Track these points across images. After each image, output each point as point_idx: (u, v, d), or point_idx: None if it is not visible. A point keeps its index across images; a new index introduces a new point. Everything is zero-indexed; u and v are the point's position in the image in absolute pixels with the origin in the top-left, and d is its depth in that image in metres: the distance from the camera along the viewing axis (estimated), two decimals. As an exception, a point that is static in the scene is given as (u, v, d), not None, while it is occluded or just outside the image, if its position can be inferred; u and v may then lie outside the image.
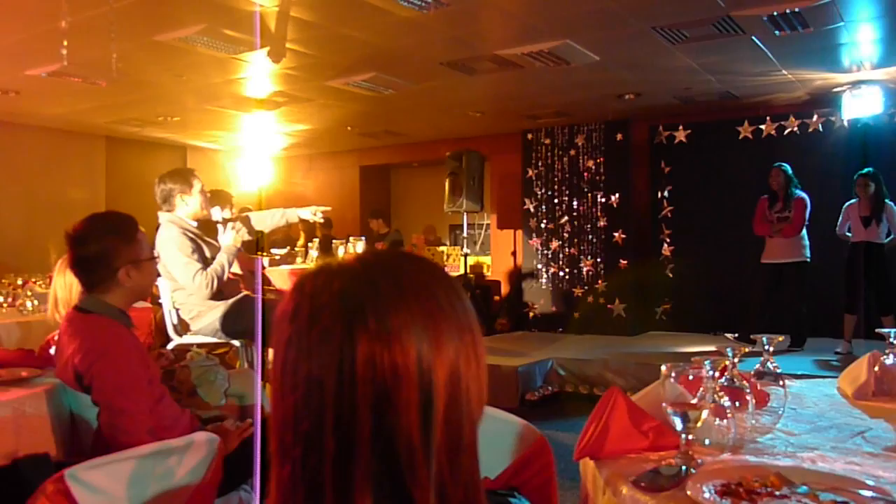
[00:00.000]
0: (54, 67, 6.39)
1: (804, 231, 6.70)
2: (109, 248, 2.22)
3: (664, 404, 1.29)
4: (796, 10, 5.24)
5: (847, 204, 6.67)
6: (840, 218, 6.70)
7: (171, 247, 4.16)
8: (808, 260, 6.73)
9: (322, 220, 5.21)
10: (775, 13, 5.32)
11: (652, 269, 8.74)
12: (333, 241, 6.18)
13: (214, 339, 4.36)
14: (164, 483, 1.53)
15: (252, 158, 11.16)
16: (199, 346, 3.65)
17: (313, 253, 6.42)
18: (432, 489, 0.76)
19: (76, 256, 2.23)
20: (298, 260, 6.31)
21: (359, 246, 5.56)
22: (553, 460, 1.75)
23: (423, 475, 0.76)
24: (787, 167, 6.79)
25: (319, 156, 11.89)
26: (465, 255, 9.22)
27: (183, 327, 4.56)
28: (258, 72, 7.00)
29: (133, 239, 2.27)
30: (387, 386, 0.75)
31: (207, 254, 4.28)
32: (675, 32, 5.81)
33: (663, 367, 1.33)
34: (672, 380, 1.31)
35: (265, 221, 4.99)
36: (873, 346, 1.96)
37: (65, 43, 4.43)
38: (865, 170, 6.54)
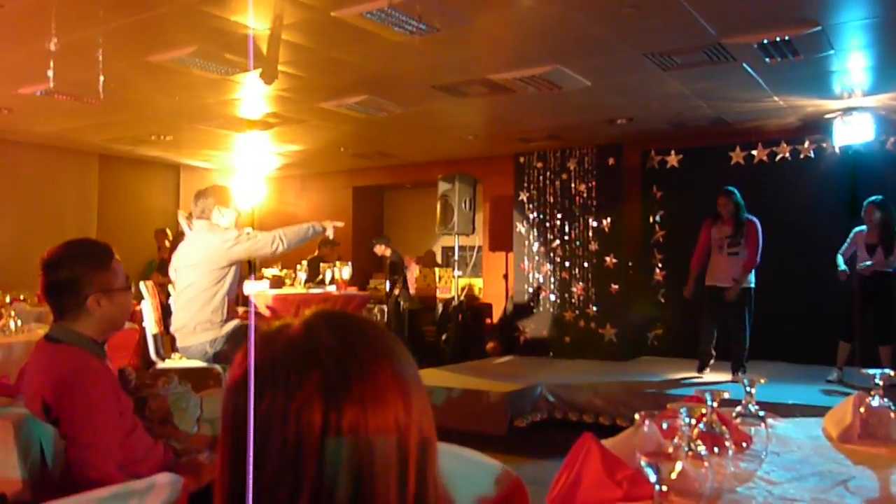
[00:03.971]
0: (47, 86, 6.38)
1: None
2: (80, 275, 2.16)
3: (637, 454, 1.25)
4: (786, 38, 5.26)
5: (857, 230, 6.59)
6: (846, 244, 6.62)
7: (207, 245, 4.20)
8: (752, 286, 6.63)
9: (331, 237, 5.10)
10: (765, 41, 5.33)
11: (643, 294, 8.71)
12: (321, 263, 6.16)
13: (198, 363, 4.31)
14: (123, 527, 1.47)
15: (245, 178, 11.14)
16: (173, 371, 3.60)
17: (301, 276, 6.38)
18: None
19: (47, 282, 2.18)
20: (287, 282, 6.27)
21: (345, 271, 5.53)
22: (529, 501, 1.70)
23: None
24: (737, 193, 6.66)
25: (312, 176, 11.88)
26: (458, 278, 9.18)
27: (166, 350, 4.52)
28: (251, 93, 7.01)
29: (107, 267, 2.22)
30: (370, 451, 0.74)
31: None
32: (666, 59, 5.82)
33: (637, 416, 1.29)
34: (646, 429, 1.27)
35: (292, 236, 4.57)
36: (865, 376, 1.93)
37: (51, 64, 4.41)
38: (874, 197, 6.44)
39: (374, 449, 0.73)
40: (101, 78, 4.72)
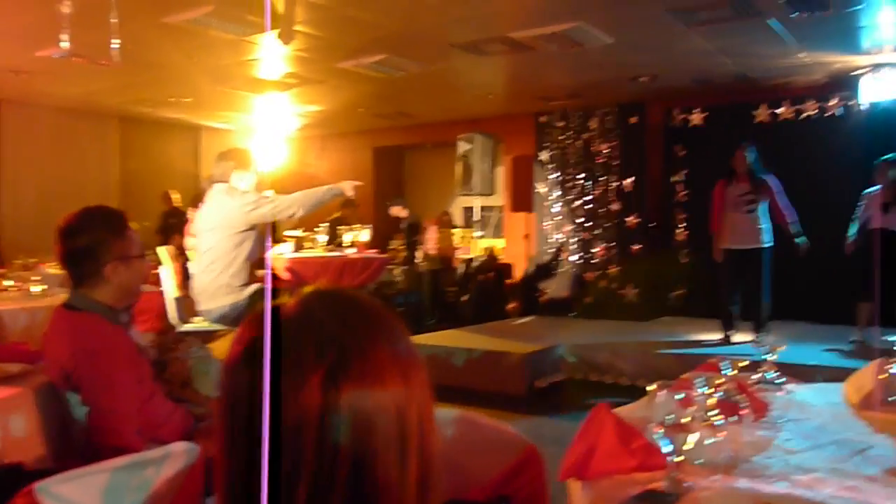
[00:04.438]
0: (63, 49, 6.38)
1: (768, 217, 6.50)
2: (98, 242, 2.17)
3: (650, 426, 1.23)
4: (815, -8, 5.12)
5: (866, 192, 6.50)
6: (859, 209, 6.53)
7: (226, 209, 4.22)
8: (771, 245, 6.52)
9: (353, 196, 5.08)
10: (793, -5, 5.19)
11: (665, 254, 8.64)
12: (341, 226, 6.15)
13: (220, 327, 4.35)
14: (140, 494, 1.49)
15: (265, 139, 11.12)
16: (195, 334, 3.64)
17: (321, 238, 6.37)
18: None
19: (65, 250, 2.19)
20: (307, 244, 6.26)
21: (364, 234, 5.51)
22: (544, 470, 1.70)
23: None
24: (755, 150, 6.56)
25: (332, 137, 11.84)
26: (478, 238, 9.16)
27: (187, 313, 4.56)
28: (269, 53, 6.96)
29: (123, 235, 2.22)
30: (369, 427, 0.73)
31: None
32: (689, 14, 5.69)
33: (650, 387, 1.28)
34: (661, 399, 1.25)
35: (312, 200, 4.49)
36: (888, 334, 1.90)
37: (64, 26, 4.39)
38: (887, 156, 6.36)
39: (374, 428, 0.73)
40: (117, 40, 4.68)
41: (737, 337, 6.71)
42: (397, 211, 9.66)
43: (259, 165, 4.52)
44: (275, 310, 0.78)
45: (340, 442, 0.72)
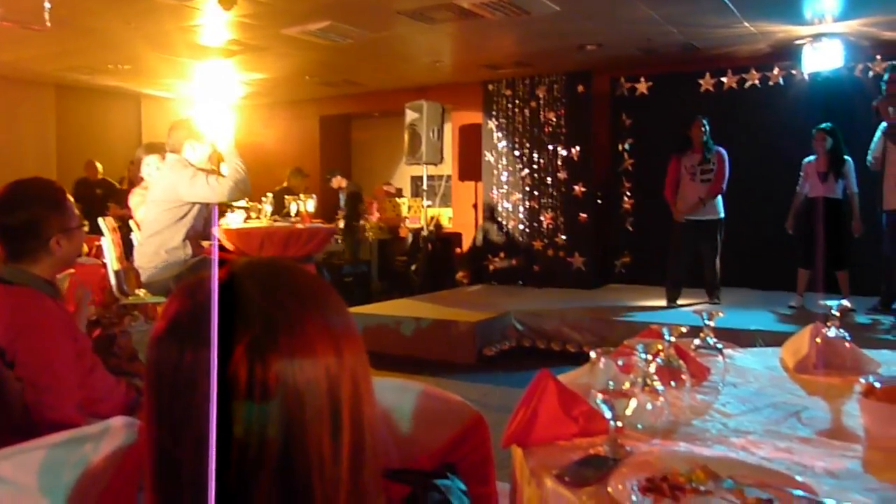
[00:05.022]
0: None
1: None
2: (39, 217, 2.12)
3: (593, 391, 1.25)
4: (758, -38, 5.16)
5: (805, 161, 6.66)
6: (801, 177, 6.70)
7: (175, 181, 4.12)
8: (723, 217, 6.77)
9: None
10: (737, -35, 5.23)
11: (612, 222, 8.75)
12: (286, 196, 6.06)
13: (161, 299, 4.27)
14: (78, 471, 1.45)
15: (210, 107, 10.87)
16: (140, 307, 3.58)
17: (268, 208, 6.28)
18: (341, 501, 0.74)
19: (1, 225, 2.12)
20: (253, 215, 6.16)
21: (310, 204, 5.45)
22: (489, 437, 1.71)
23: (333, 494, 0.74)
24: (707, 122, 6.74)
25: (279, 105, 11.63)
26: (426, 207, 9.14)
27: (130, 285, 4.47)
28: (211, 19, 6.77)
29: (63, 207, 2.17)
30: (298, 401, 0.72)
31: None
32: (636, -17, 5.70)
33: (592, 354, 1.29)
34: (602, 365, 1.27)
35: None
36: (826, 299, 1.95)
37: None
38: (823, 125, 6.53)
39: (304, 401, 0.72)
40: (48, 4, 4.51)
41: (682, 302, 6.88)
42: (337, 182, 9.56)
43: (209, 136, 4.42)
44: (203, 280, 0.76)
45: (269, 417, 0.70)
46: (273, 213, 6.54)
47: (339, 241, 9.26)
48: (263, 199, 6.60)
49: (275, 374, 0.70)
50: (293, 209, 5.85)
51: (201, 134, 4.40)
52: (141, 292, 4.47)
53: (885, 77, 5.62)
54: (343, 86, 10.29)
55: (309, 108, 11.47)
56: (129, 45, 7.80)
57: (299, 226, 6.20)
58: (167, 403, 0.73)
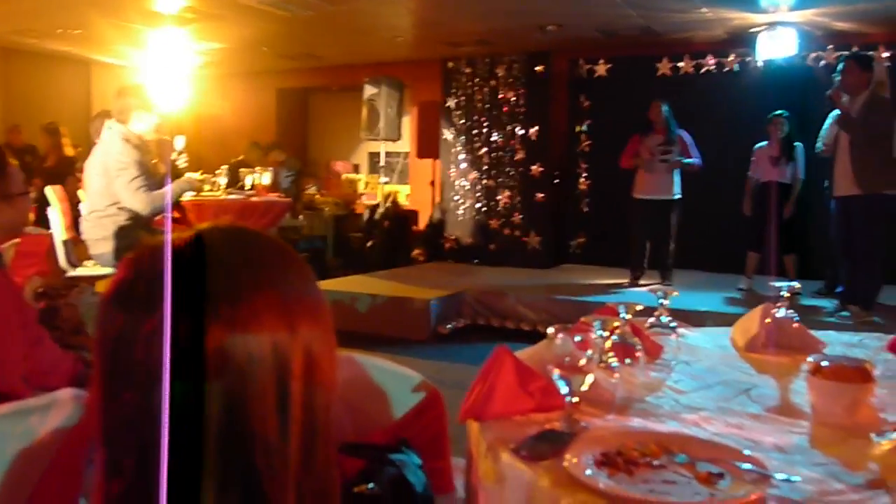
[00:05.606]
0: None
1: (678, 170, 6.82)
2: None
3: (549, 367, 1.26)
4: (718, -53, 5.21)
5: (756, 146, 6.79)
6: (752, 162, 6.82)
7: (118, 159, 4.00)
8: (681, 197, 6.87)
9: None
10: (697, -50, 5.27)
11: (568, 202, 8.82)
12: (241, 169, 5.96)
13: (109, 270, 4.19)
14: (24, 443, 1.42)
15: (163, 77, 10.61)
16: (88, 279, 3.49)
17: (221, 181, 6.17)
18: (291, 485, 0.72)
19: None
20: (206, 188, 6.04)
21: (265, 177, 5.38)
22: (445, 412, 1.72)
23: (281, 471, 0.71)
24: (668, 104, 6.83)
25: (235, 76, 11.40)
26: (383, 184, 9.09)
27: (78, 257, 4.36)
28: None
29: (4, 172, 2.09)
30: (240, 376, 0.69)
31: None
32: (598, -36, 5.71)
33: (550, 330, 1.30)
34: (559, 341, 1.27)
35: (175, 194, 4.80)
36: (776, 281, 2.00)
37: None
38: (778, 111, 6.65)
39: (246, 375, 0.69)
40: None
41: (644, 281, 7.00)
42: (276, 156, 9.34)
43: (159, 105, 4.33)
44: (153, 249, 0.73)
45: (205, 390, 0.68)
46: (228, 186, 6.43)
47: (302, 217, 9.14)
48: (218, 171, 6.48)
49: (215, 345, 0.68)
50: (248, 182, 5.76)
51: (150, 103, 4.29)
52: (90, 264, 4.37)
53: (839, 67, 5.73)
54: (301, 58, 10.13)
55: (266, 80, 11.28)
56: (79, 10, 7.57)
57: (255, 199, 6.12)
58: (110, 371, 0.71)
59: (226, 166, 6.54)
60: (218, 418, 0.68)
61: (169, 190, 4.25)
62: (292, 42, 9.06)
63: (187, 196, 5.51)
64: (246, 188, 6.42)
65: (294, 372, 0.72)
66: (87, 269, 4.27)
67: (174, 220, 5.66)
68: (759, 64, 7.71)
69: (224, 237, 0.76)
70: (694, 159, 6.78)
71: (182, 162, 4.25)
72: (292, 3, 6.98)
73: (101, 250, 4.18)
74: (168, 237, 0.73)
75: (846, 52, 7.06)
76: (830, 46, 7.51)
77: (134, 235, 4.15)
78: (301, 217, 9.10)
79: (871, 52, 7.13)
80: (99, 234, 4.17)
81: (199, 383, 0.68)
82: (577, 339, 1.28)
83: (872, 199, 5.54)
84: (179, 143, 4.76)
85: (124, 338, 0.70)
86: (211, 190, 6.14)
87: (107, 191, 4.11)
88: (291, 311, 0.73)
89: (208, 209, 5.83)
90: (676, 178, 6.84)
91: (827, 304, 6.10)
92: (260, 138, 9.95)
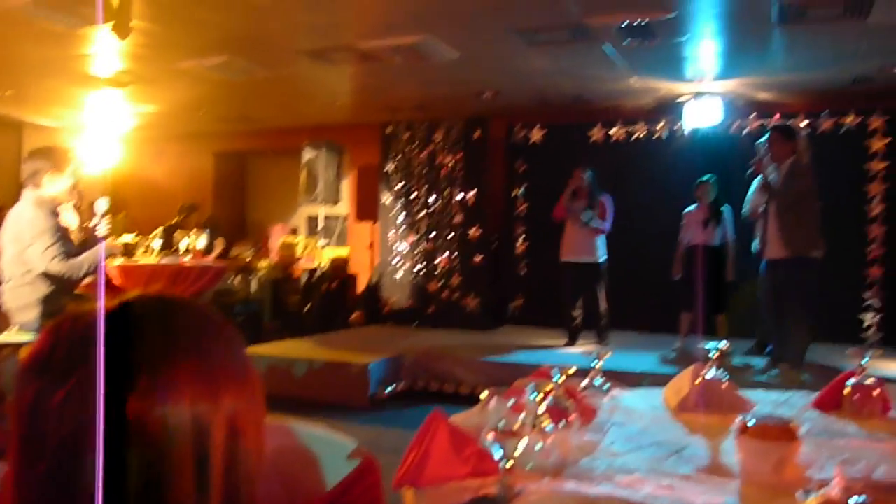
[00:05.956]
0: None
1: (602, 234, 7.03)
2: None
3: (483, 433, 1.26)
4: (644, 22, 5.45)
5: (686, 211, 7.03)
6: (682, 226, 7.05)
7: (30, 226, 3.85)
8: (605, 260, 7.06)
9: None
10: (625, 23, 5.51)
11: (506, 265, 8.92)
12: (178, 231, 5.87)
13: (33, 337, 4.04)
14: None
15: (97, 139, 10.45)
16: (12, 346, 3.37)
17: (155, 244, 6.06)
18: None
19: None
20: (140, 252, 5.92)
21: (201, 241, 5.30)
22: (380, 480, 1.69)
23: None
24: (591, 171, 7.09)
25: (171, 139, 11.30)
26: (322, 247, 9.05)
27: (2, 324, 4.20)
28: (102, 48, 6.57)
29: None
30: (157, 449, 0.67)
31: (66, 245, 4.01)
32: (531, 35, 5.90)
33: (483, 395, 1.30)
34: (492, 406, 1.28)
35: (94, 261, 4.53)
36: (707, 342, 2.05)
37: None
38: (706, 176, 6.92)
39: (163, 447, 0.68)
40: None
41: (581, 342, 7.08)
42: (195, 217, 9.09)
43: (83, 166, 4.19)
44: (75, 317, 0.72)
45: (127, 463, 0.66)
46: (162, 249, 6.32)
47: (236, 279, 8.99)
48: (152, 234, 6.37)
49: (133, 416, 0.66)
50: (183, 244, 5.65)
51: (65, 163, 4.14)
52: (14, 330, 4.21)
53: (764, 138, 6.02)
54: (239, 122, 10.12)
55: (203, 143, 11.20)
56: (12, 71, 7.46)
57: (188, 263, 6.01)
58: (25, 440, 0.69)
59: (160, 229, 6.42)
60: (136, 491, 0.66)
61: (88, 257, 4.08)
62: (230, 105, 9.06)
63: (116, 262, 5.38)
64: (181, 252, 6.31)
65: (215, 442, 0.71)
66: (11, 336, 4.11)
67: (106, 286, 5.51)
68: (687, 131, 8.03)
69: (147, 306, 0.75)
70: (605, 224, 7.00)
71: (103, 226, 4.09)
72: (229, 68, 7.01)
73: (25, 318, 4.03)
74: (98, 305, 0.72)
75: (768, 121, 7.42)
76: (753, 115, 7.88)
77: (59, 302, 4.02)
78: (237, 280, 8.96)
79: (791, 122, 7.52)
80: (20, 302, 4.02)
81: (118, 455, 0.66)
82: (511, 402, 1.29)
83: (799, 262, 5.77)
84: (102, 205, 4.62)
85: (38, 407, 0.68)
86: (145, 254, 6.02)
87: (20, 259, 3.97)
88: (214, 380, 0.72)
89: (141, 274, 5.70)
90: (601, 242, 7.04)
91: (758, 363, 6.25)
92: (197, 201, 9.84)
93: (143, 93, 8.33)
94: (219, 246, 6.13)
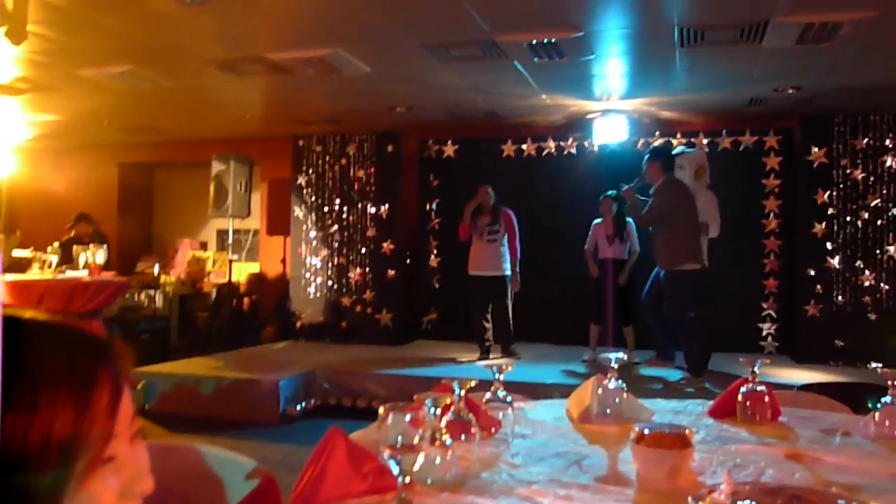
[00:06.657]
0: None
1: (507, 247, 7.16)
2: None
3: (381, 447, 1.24)
4: (553, 40, 5.57)
5: (594, 222, 7.21)
6: (588, 238, 7.22)
7: None
8: (508, 274, 7.18)
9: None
10: (534, 41, 5.61)
11: (419, 279, 8.92)
12: (75, 246, 5.62)
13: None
14: None
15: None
16: None
17: (52, 258, 5.79)
18: None
19: None
20: (35, 267, 5.64)
21: (100, 255, 5.10)
22: (280, 498, 1.66)
23: None
24: (490, 189, 7.23)
25: (72, 150, 10.86)
26: (232, 262, 8.87)
27: None
28: (-5, 53, 6.27)
29: None
30: (21, 469, 0.66)
31: None
32: (443, 51, 5.94)
33: (381, 409, 1.28)
34: (390, 421, 1.26)
35: None
36: (608, 353, 2.08)
37: None
38: (609, 191, 7.10)
39: (27, 471, 0.66)
40: None
41: (494, 354, 7.14)
42: (82, 227, 8.68)
43: None
44: None
45: None
46: (60, 264, 6.05)
47: (140, 294, 8.68)
48: (50, 248, 6.08)
49: None
50: (82, 259, 5.42)
51: None
52: None
53: (643, 164, 6.31)
54: (145, 132, 9.82)
55: (106, 153, 10.80)
56: None
57: (86, 279, 5.76)
58: None
59: (57, 243, 6.14)
60: None
61: None
62: (135, 115, 8.78)
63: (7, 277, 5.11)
64: (80, 266, 6.05)
65: (77, 469, 0.69)
66: None
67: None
68: (595, 147, 8.23)
69: (21, 331, 0.72)
70: (514, 247, 7.17)
71: None
72: (133, 77, 6.79)
73: None
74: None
75: (671, 138, 7.69)
76: (657, 132, 8.16)
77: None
78: (142, 296, 8.66)
79: (693, 139, 7.82)
80: None
81: None
82: (408, 417, 1.27)
83: (674, 275, 6.05)
84: None
85: None
86: (41, 269, 5.74)
87: None
88: (85, 399, 0.70)
89: (35, 290, 5.42)
90: (505, 255, 7.14)
91: (662, 373, 6.43)
92: (101, 215, 9.47)
93: (41, 101, 7.99)
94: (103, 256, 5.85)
